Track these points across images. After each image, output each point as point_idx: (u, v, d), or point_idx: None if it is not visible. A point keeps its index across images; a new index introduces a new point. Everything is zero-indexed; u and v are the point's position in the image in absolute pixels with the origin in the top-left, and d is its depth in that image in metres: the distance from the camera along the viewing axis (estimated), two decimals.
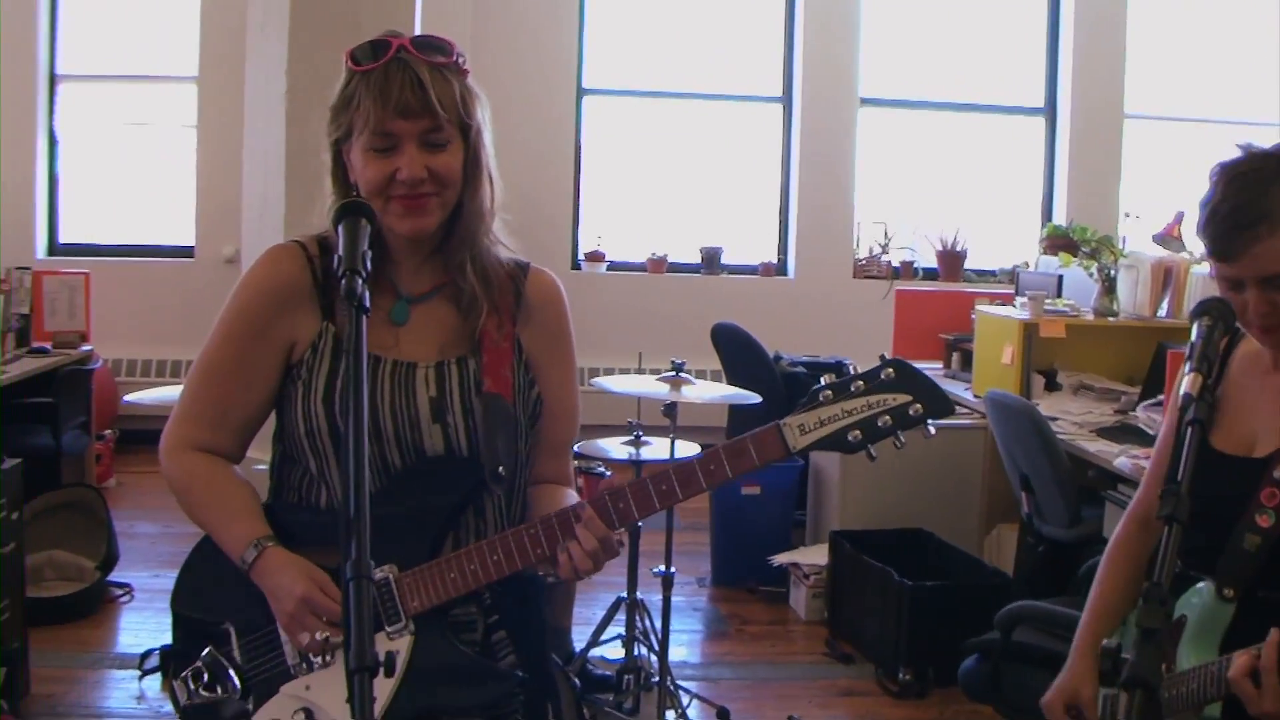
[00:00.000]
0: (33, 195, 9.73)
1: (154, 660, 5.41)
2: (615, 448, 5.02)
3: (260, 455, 2.43)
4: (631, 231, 10.10)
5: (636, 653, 5.03)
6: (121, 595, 6.22)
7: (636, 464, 4.91)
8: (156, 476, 7.81)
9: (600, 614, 5.29)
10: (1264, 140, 2.41)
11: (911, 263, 10.06)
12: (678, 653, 5.65)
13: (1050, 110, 10.33)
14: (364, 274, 1.90)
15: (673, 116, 10.21)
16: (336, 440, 2.25)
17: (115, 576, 6.27)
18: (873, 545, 5.83)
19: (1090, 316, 6.31)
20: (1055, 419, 5.54)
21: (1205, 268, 4.53)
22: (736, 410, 7.46)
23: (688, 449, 4.94)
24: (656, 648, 4.96)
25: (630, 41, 10.12)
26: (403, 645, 2.16)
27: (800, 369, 7.57)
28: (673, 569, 5.01)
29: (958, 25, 10.26)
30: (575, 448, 2.67)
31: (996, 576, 5.63)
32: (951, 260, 9.94)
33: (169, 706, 4.98)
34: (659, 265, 9.88)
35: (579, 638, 5.34)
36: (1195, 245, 5.37)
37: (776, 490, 6.61)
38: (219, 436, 2.36)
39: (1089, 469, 5.25)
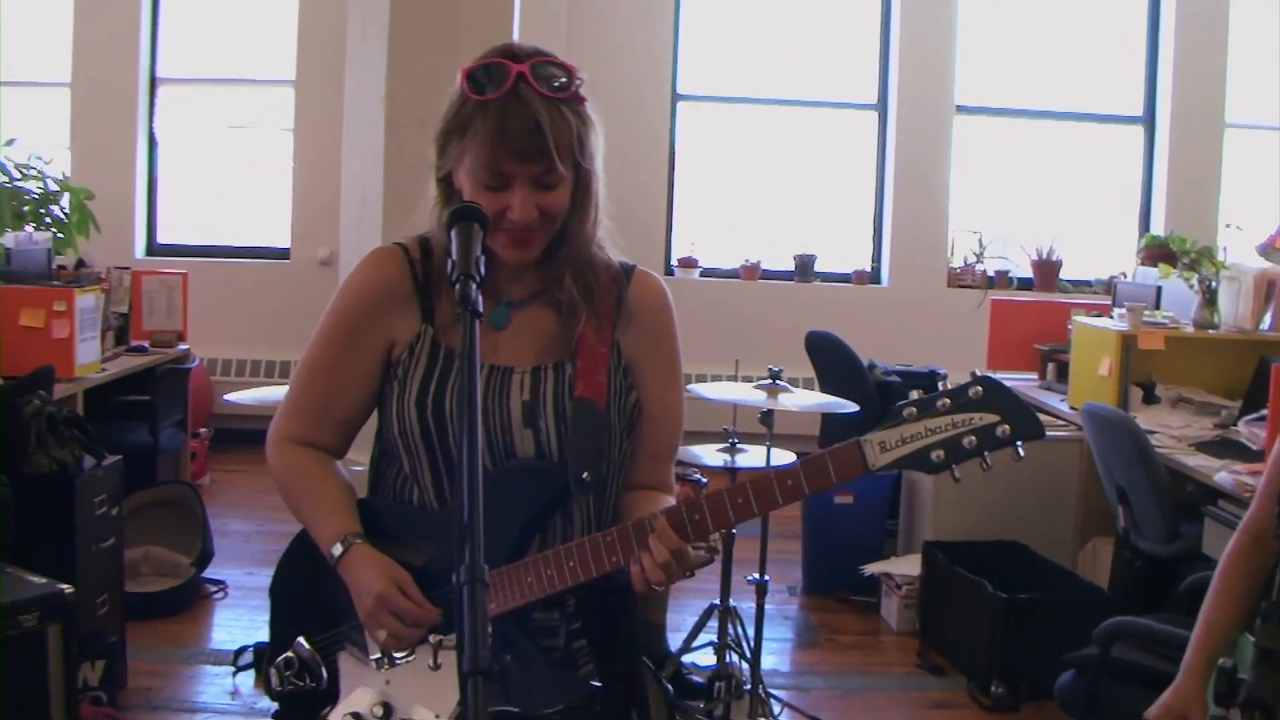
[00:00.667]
0: (133, 196, 9.88)
1: (248, 657, 5.51)
2: (710, 455, 5.00)
3: (357, 457, 2.44)
4: (725, 238, 10.07)
5: (728, 660, 5.01)
6: (216, 592, 6.29)
7: (731, 471, 4.90)
8: (250, 475, 7.91)
9: (692, 620, 5.28)
10: None
11: (1006, 272, 9.96)
12: (768, 661, 5.62)
13: (1149, 118, 10.19)
14: (478, 279, 1.89)
15: (767, 123, 10.18)
16: (428, 442, 2.27)
17: (209, 573, 6.34)
18: (966, 557, 5.77)
19: (1190, 329, 6.21)
20: (1153, 432, 5.46)
21: None
22: (829, 419, 7.42)
23: (783, 457, 4.93)
24: (749, 655, 4.94)
25: (725, 47, 10.10)
26: None
27: (895, 378, 7.51)
28: (766, 576, 4.99)
29: (1055, 31, 10.14)
30: None
31: (1093, 591, 5.56)
32: (1047, 270, 9.83)
33: (263, 702, 5.08)
34: (752, 272, 9.85)
35: (670, 643, 5.33)
36: None
37: (869, 499, 6.57)
38: (321, 432, 2.39)
39: (1188, 484, 5.16)
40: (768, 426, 4.79)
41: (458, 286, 1.88)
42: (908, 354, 8.42)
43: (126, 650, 5.11)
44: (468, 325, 1.82)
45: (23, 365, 5.38)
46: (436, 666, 2.20)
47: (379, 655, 2.26)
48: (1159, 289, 6.75)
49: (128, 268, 7.55)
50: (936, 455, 2.03)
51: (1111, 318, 6.56)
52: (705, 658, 5.20)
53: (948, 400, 2.03)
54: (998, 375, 6.37)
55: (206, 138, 10.19)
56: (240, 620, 5.95)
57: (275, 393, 5.01)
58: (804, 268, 9.88)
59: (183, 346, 7.45)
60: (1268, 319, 6.09)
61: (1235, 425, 5.53)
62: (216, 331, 9.21)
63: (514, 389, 2.28)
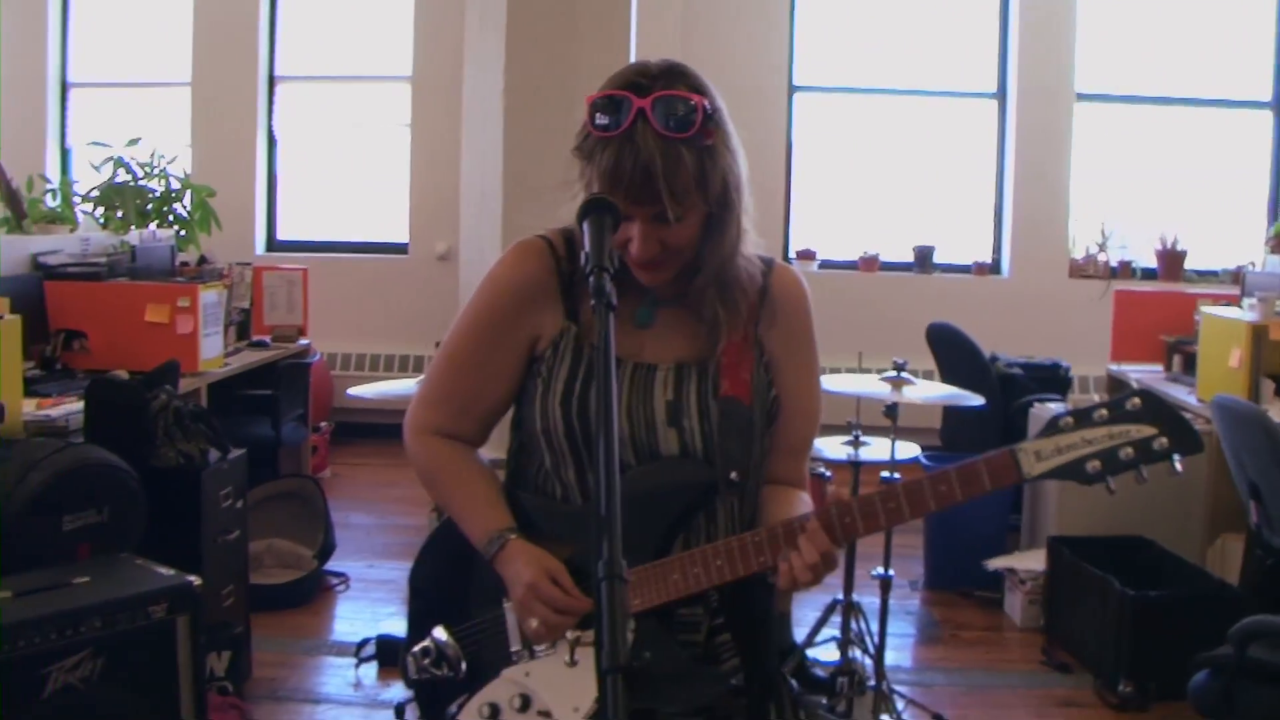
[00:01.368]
0: (253, 193, 10.02)
1: (370, 649, 5.55)
2: (834, 448, 4.96)
3: (489, 452, 2.45)
4: (843, 229, 9.99)
5: (850, 655, 4.96)
6: (338, 584, 6.35)
7: (855, 464, 4.85)
8: (371, 468, 7.98)
9: (814, 615, 5.24)
10: None
11: (1129, 262, 9.77)
12: (890, 656, 5.55)
13: (1278, 103, 9.95)
14: (611, 270, 1.87)
15: (884, 113, 10.06)
16: (572, 440, 2.26)
17: (331, 565, 6.40)
18: (1091, 552, 5.67)
19: None
20: None
21: None
22: (951, 411, 7.35)
23: (907, 450, 4.87)
24: (872, 651, 4.89)
25: (841, 37, 10.00)
26: None
27: (1017, 370, 7.42)
28: (890, 571, 4.94)
29: (1179, 14, 9.91)
30: None
31: (1225, 589, 5.42)
32: (1172, 260, 9.64)
33: (386, 694, 5.11)
34: (871, 264, 9.75)
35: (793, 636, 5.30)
36: None
37: (992, 494, 6.46)
38: (462, 423, 2.40)
39: None
40: (892, 419, 4.73)
41: (591, 279, 1.87)
42: (1029, 346, 8.33)
43: (251, 641, 5.17)
44: (601, 317, 1.80)
45: (148, 360, 5.47)
46: (573, 663, 2.20)
47: (519, 647, 2.27)
48: None
49: (249, 264, 7.66)
50: (1092, 466, 2.03)
51: (1240, 308, 6.42)
52: (827, 653, 5.15)
53: (1105, 411, 2.03)
54: (1122, 367, 6.26)
55: (325, 134, 10.30)
56: (362, 613, 5.99)
57: (397, 387, 5.04)
58: (923, 259, 9.78)
59: (303, 341, 7.54)
60: None
61: None
62: (336, 326, 9.30)
63: (657, 387, 2.27)
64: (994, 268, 9.91)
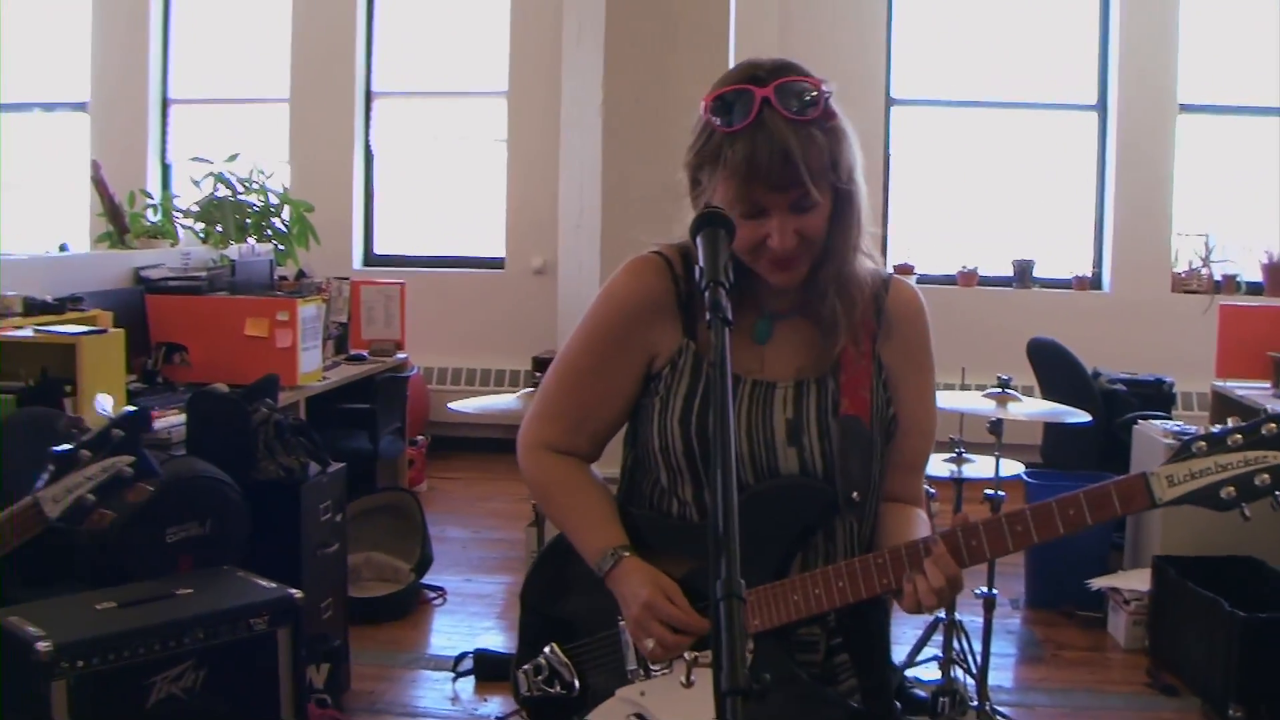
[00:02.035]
0: (350, 208, 10.10)
1: (467, 663, 5.55)
2: (936, 465, 4.89)
3: (602, 469, 2.43)
4: (941, 244, 9.90)
5: (953, 675, 4.89)
6: (435, 598, 6.35)
7: (958, 481, 4.79)
8: (467, 482, 7.98)
9: (914, 634, 5.18)
10: None
11: (1234, 276, 9.60)
12: (993, 676, 5.45)
13: None
14: (727, 285, 1.83)
15: (983, 125, 9.96)
16: (691, 459, 2.24)
17: (428, 579, 6.40)
18: (1198, 572, 5.55)
19: None
20: None
21: None
22: (1051, 428, 7.25)
23: (1011, 468, 4.80)
24: (975, 670, 4.82)
25: (939, 49, 9.92)
26: None
27: (1120, 386, 7.30)
28: (994, 590, 4.86)
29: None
30: None
31: None
32: (1277, 273, 9.46)
33: (483, 708, 5.10)
34: (969, 278, 9.65)
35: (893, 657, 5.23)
36: None
37: None
38: (576, 439, 2.38)
39: None
40: (997, 436, 4.66)
41: (707, 294, 1.83)
42: (1132, 361, 8.19)
43: (349, 654, 5.18)
44: (718, 332, 1.77)
45: (248, 374, 5.50)
46: (690, 683, 2.17)
47: (634, 666, 2.25)
48: None
49: (347, 278, 7.73)
50: (1227, 493, 1.99)
51: None
52: (928, 672, 5.09)
53: (1239, 436, 1.99)
54: (1227, 384, 6.15)
55: (421, 149, 10.35)
56: (459, 627, 5.99)
57: (497, 401, 5.04)
58: (1022, 273, 9.66)
59: (401, 355, 7.57)
60: None
61: None
62: (433, 340, 9.34)
63: (777, 404, 2.24)
64: (1095, 282, 9.76)
